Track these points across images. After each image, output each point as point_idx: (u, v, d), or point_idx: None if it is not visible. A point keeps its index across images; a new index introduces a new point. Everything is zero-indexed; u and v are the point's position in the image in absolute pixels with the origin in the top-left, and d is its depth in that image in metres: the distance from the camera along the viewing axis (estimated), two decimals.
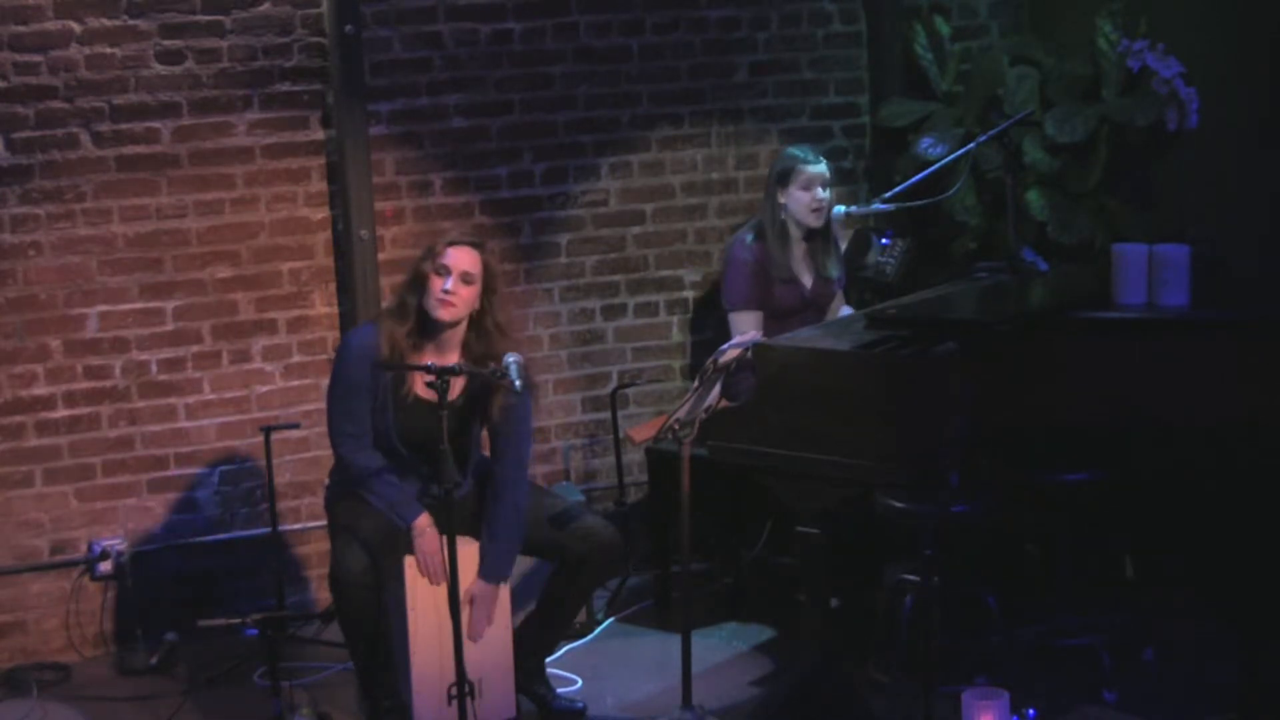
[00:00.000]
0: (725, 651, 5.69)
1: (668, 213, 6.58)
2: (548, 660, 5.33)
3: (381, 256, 6.09)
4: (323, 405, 5.13)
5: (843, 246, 6.16)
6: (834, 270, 6.07)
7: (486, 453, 5.26)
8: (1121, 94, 6.24)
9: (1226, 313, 5.04)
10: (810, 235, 6.01)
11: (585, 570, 5.13)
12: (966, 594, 5.20)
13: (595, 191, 6.48)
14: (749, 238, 6.00)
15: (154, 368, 5.92)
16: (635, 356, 6.58)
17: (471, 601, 4.98)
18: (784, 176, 5.93)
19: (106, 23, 5.73)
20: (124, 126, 5.79)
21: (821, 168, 5.94)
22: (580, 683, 5.47)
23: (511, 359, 4.75)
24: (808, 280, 6.03)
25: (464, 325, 5.00)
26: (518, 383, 4.70)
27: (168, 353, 5.94)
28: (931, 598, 4.93)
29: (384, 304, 5.57)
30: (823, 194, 5.92)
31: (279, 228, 6.03)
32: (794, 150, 6.01)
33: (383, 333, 4.94)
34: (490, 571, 5.02)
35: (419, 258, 5.01)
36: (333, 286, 6.11)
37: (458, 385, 4.98)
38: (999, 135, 5.89)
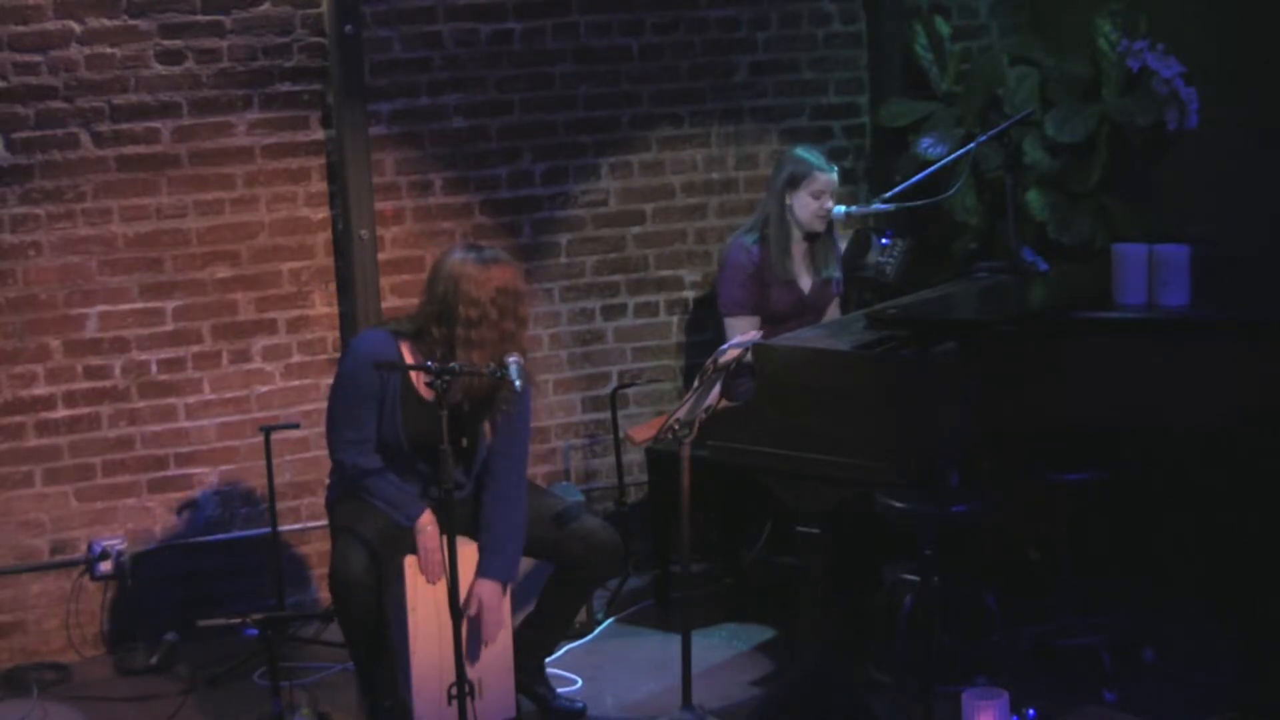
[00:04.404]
0: (725, 651, 5.69)
1: (668, 213, 6.58)
2: (548, 660, 5.33)
3: (381, 256, 6.09)
4: (323, 405, 5.13)
5: (841, 247, 6.16)
6: (834, 270, 6.07)
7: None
8: (1121, 94, 6.24)
9: (1226, 313, 5.04)
10: (811, 235, 6.01)
11: (584, 571, 5.13)
12: (966, 594, 5.20)
13: (595, 191, 6.48)
14: (748, 240, 5.99)
15: (154, 368, 5.92)
16: (635, 356, 6.58)
17: (479, 605, 4.95)
18: (795, 180, 5.92)
19: (106, 23, 5.73)
20: (124, 126, 5.80)
21: (833, 176, 5.95)
22: (580, 683, 5.47)
23: (512, 359, 4.75)
24: (806, 283, 6.03)
25: None
26: (518, 383, 4.70)
27: (168, 353, 5.94)
28: (931, 598, 4.93)
29: (403, 317, 5.37)
30: (830, 205, 5.93)
31: (279, 228, 6.04)
32: (806, 155, 5.97)
33: (414, 353, 4.93)
34: (498, 570, 4.98)
35: (450, 292, 4.87)
36: (333, 286, 6.11)
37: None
38: (999, 135, 5.90)
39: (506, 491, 5.04)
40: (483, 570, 4.98)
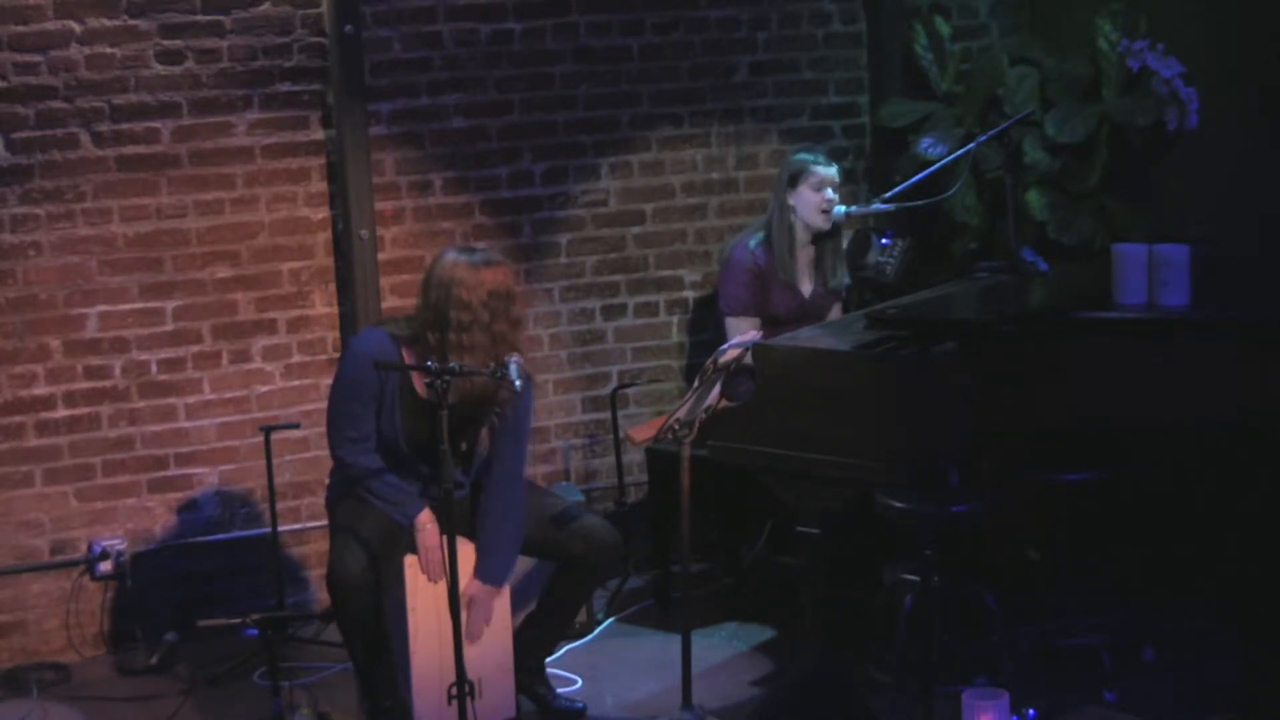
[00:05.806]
0: (725, 651, 5.69)
1: (668, 213, 6.58)
2: (548, 660, 5.33)
3: (381, 256, 6.09)
4: (323, 405, 5.13)
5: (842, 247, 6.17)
6: (843, 278, 6.07)
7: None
8: (1121, 94, 6.24)
9: (1226, 313, 5.04)
10: (818, 239, 6.01)
11: (584, 571, 5.13)
12: (966, 594, 5.20)
13: (595, 191, 6.48)
14: (753, 242, 5.99)
15: (154, 368, 5.92)
16: (635, 356, 6.58)
17: (470, 603, 4.98)
18: (794, 178, 5.93)
19: (106, 23, 5.73)
20: (124, 126, 5.80)
21: (833, 171, 5.96)
22: (580, 683, 5.47)
23: (512, 359, 4.75)
24: (807, 288, 6.03)
25: None
26: (518, 383, 4.70)
27: (168, 353, 5.94)
28: (931, 598, 4.93)
29: (401, 319, 5.34)
30: (831, 196, 5.93)
31: (279, 228, 6.04)
32: (805, 153, 6.01)
33: (412, 356, 4.94)
34: (488, 573, 5.00)
35: (442, 297, 4.87)
36: (333, 286, 6.11)
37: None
38: (999, 135, 5.90)
39: (502, 495, 5.04)
40: (477, 572, 5.01)
